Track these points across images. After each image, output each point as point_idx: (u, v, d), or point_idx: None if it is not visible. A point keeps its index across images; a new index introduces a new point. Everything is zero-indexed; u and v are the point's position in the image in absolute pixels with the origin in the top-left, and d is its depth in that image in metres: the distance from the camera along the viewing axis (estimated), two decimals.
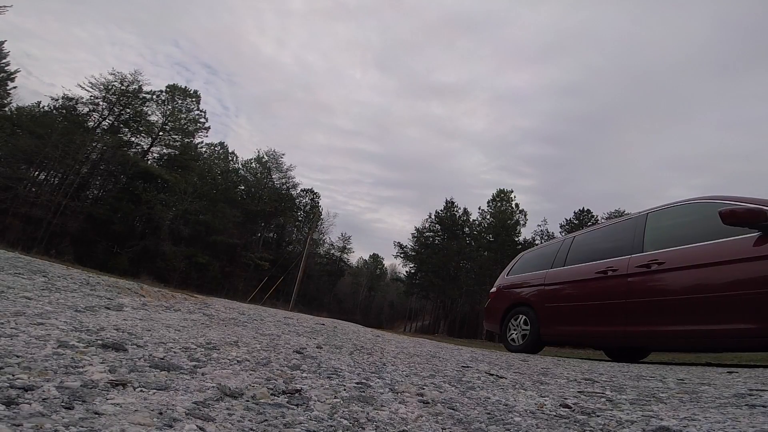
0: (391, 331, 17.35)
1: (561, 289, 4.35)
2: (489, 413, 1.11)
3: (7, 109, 27.55)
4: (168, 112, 33.75)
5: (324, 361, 1.62)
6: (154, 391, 0.87)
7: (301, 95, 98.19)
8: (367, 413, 0.98)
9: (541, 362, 2.88)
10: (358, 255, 76.25)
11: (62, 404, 0.70)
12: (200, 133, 36.88)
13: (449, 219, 43.09)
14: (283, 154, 43.78)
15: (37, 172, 27.86)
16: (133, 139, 32.93)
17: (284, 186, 43.40)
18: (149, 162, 32.91)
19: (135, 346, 1.28)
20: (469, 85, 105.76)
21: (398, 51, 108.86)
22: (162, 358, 1.18)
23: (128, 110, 31.57)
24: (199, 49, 73.51)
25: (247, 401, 0.93)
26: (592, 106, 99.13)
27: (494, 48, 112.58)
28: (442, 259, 40.26)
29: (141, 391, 0.86)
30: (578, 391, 1.54)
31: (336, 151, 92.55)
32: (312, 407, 0.96)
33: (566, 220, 38.24)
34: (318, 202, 48.17)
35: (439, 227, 43.80)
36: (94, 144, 28.89)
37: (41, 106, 30.60)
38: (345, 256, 56.03)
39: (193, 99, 35.80)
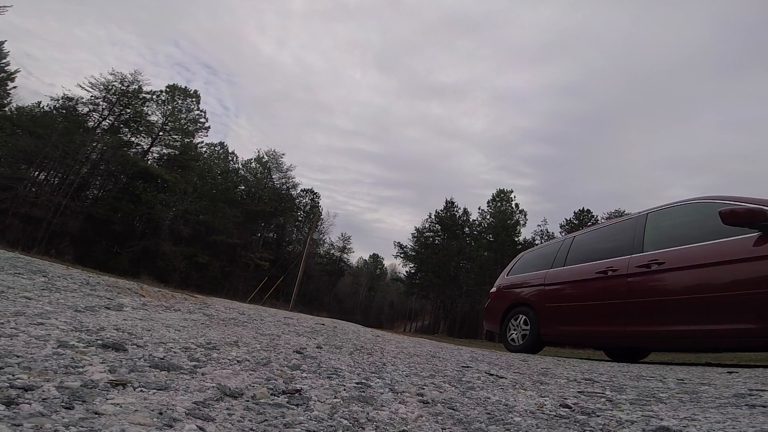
0: (391, 331, 17.34)
1: (561, 289, 4.35)
2: (489, 413, 1.11)
3: (7, 109, 27.58)
4: (168, 112, 33.76)
5: (324, 361, 1.62)
6: (154, 391, 0.87)
7: (301, 95, 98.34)
8: (367, 413, 0.98)
9: (541, 362, 2.88)
10: (358, 255, 76.41)
11: (62, 404, 0.70)
12: (200, 133, 36.96)
13: (449, 219, 43.09)
14: (283, 154, 43.85)
15: (37, 172, 27.86)
16: (133, 139, 32.93)
17: (284, 186, 43.42)
18: (149, 162, 32.91)
19: (135, 346, 1.27)
20: (469, 85, 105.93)
21: (398, 51, 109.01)
22: (162, 358, 1.18)
23: (128, 110, 31.57)
24: (199, 49, 73.60)
25: (247, 401, 0.93)
26: (592, 106, 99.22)
27: (494, 48, 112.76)
28: (442, 259, 40.26)
29: (141, 391, 0.86)
30: (578, 391, 1.54)
31: (336, 151, 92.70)
32: (312, 407, 0.96)
33: (566, 220, 38.33)
34: (318, 202, 48.25)
35: (439, 227, 43.80)
36: (94, 144, 28.88)
37: (41, 106, 30.63)
38: (345, 256, 56.11)
39: (193, 99, 35.82)
